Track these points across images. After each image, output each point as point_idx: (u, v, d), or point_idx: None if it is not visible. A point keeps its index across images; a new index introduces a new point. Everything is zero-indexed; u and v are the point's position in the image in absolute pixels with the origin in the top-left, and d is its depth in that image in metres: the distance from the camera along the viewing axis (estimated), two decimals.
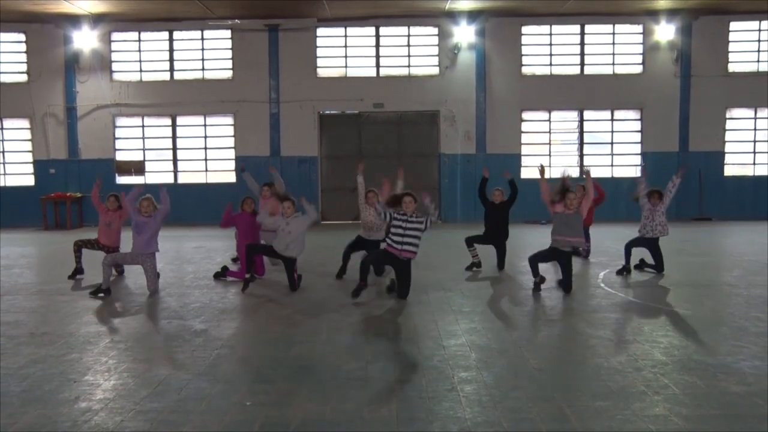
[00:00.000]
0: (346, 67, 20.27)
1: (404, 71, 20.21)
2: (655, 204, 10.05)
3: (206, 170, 20.51)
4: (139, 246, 8.86)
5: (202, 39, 20.22)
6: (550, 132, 20.37)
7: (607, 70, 20.17)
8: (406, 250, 8.13)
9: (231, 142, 20.38)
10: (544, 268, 10.04)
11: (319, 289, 9.18)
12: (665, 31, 19.58)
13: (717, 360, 5.58)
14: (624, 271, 10.14)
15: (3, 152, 20.53)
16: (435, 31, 20.03)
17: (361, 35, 20.20)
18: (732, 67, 20.02)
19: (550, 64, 20.21)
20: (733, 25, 19.92)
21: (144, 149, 20.49)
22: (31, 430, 4.21)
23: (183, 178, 20.48)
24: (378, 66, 20.22)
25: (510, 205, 10.85)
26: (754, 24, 19.93)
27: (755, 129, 20.27)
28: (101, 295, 8.64)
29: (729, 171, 20.38)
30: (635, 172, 20.09)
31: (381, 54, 20.22)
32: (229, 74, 20.25)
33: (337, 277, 9.91)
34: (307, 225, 9.17)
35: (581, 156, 20.15)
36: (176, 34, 20.21)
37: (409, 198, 8.20)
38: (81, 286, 9.56)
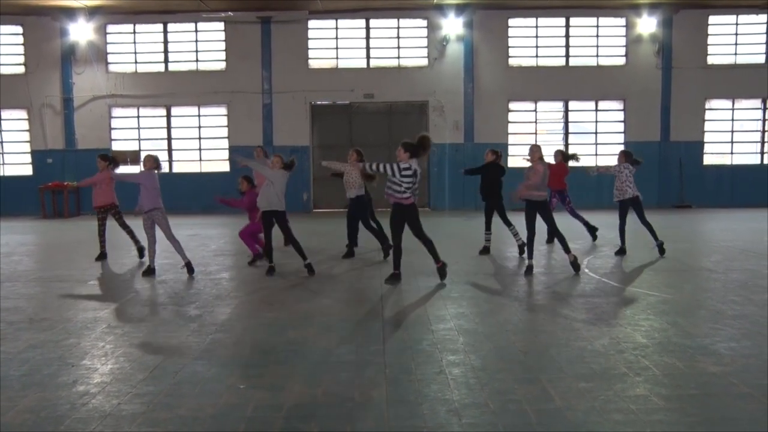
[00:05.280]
0: (337, 58, 20.55)
1: (394, 63, 20.51)
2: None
3: (200, 159, 20.81)
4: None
5: (196, 31, 20.44)
6: (536, 122, 20.75)
7: (591, 62, 20.56)
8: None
9: (224, 132, 20.64)
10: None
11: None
12: (647, 24, 20.02)
13: (695, 342, 5.77)
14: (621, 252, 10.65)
15: (2, 142, 20.71)
16: (424, 23, 20.31)
17: (352, 27, 20.46)
18: (711, 60, 20.49)
19: (536, 56, 20.57)
20: (712, 19, 20.38)
21: (139, 139, 20.73)
22: (31, 413, 4.29)
23: (177, 168, 20.77)
24: (368, 57, 20.52)
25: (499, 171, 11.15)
26: (731, 18, 20.40)
27: (733, 119, 20.78)
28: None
29: (708, 160, 20.83)
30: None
31: (371, 46, 20.51)
32: (222, 66, 20.48)
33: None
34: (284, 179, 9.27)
35: (566, 145, 20.59)
36: (171, 27, 20.41)
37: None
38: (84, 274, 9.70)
